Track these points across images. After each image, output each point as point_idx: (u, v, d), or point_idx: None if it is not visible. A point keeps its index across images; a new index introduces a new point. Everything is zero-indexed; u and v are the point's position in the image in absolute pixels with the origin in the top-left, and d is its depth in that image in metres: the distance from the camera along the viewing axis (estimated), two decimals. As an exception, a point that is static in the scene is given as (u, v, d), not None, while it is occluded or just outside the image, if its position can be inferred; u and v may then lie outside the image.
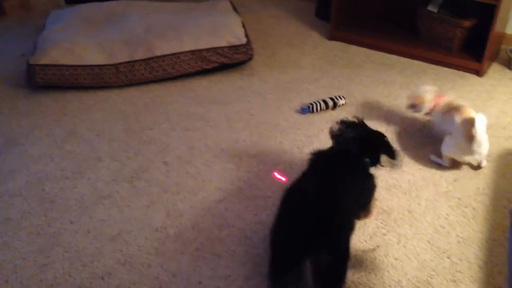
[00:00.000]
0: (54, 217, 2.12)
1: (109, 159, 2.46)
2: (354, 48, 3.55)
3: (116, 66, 3.02)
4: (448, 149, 2.35)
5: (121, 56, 3.06)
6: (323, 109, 2.84)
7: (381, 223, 2.10)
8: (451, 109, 2.38)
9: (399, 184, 2.32)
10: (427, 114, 2.56)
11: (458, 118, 2.31)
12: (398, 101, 2.92)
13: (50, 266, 1.89)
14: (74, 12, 3.57)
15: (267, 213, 2.16)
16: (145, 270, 1.89)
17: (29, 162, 2.44)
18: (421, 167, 2.42)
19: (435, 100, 2.49)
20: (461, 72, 3.23)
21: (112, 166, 2.42)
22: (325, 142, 2.57)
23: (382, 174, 2.36)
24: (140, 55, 3.07)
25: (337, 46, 3.59)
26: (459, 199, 2.23)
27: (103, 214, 2.14)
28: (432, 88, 2.54)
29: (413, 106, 2.57)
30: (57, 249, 1.96)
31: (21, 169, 2.39)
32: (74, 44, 3.07)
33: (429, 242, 2.01)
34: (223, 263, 1.93)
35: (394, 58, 3.42)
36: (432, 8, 3.36)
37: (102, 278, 1.86)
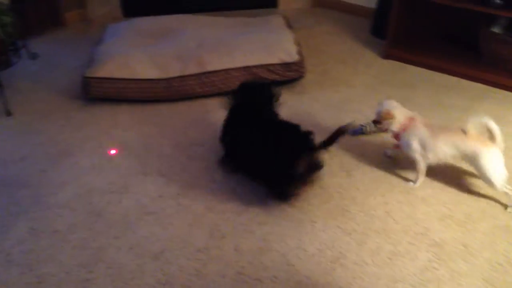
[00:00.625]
0: (99, 231, 2.13)
1: (156, 174, 2.47)
2: (410, 68, 3.42)
3: (168, 80, 3.05)
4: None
5: (174, 70, 3.09)
6: (375, 131, 2.74)
7: (433, 256, 1.98)
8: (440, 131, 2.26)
9: (453, 215, 2.18)
10: (395, 136, 2.38)
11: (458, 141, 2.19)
12: (458, 125, 2.77)
13: (93, 282, 1.90)
14: (130, 26, 3.65)
15: (312, 239, 2.08)
16: (185, 292, 1.87)
17: (80, 173, 2.48)
18: (477, 197, 2.28)
19: (408, 122, 2.31)
20: (526, 97, 3.05)
21: (159, 181, 2.42)
22: (376, 165, 2.48)
23: (435, 203, 2.24)
24: (192, 70, 3.08)
25: (393, 65, 3.47)
26: (520, 235, 2.07)
27: (147, 230, 2.13)
28: (398, 106, 2.37)
29: (378, 122, 2.39)
30: (100, 265, 1.97)
31: (71, 181, 2.44)
32: (128, 58, 3.13)
33: (485, 280, 1.88)
34: (264, 290, 1.87)
35: (453, 79, 3.27)
36: (496, 29, 3.19)
37: (142, 297, 1.85)
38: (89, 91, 3.02)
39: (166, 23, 3.69)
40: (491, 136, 2.13)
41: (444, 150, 2.22)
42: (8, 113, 2.97)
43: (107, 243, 2.07)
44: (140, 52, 3.23)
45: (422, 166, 2.32)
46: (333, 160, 2.54)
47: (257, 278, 1.92)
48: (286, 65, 3.11)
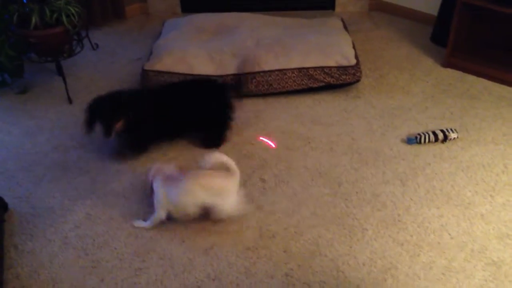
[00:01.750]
0: (152, 221, 2.18)
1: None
2: (471, 78, 3.31)
3: (224, 77, 3.07)
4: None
5: (230, 67, 3.11)
6: (432, 142, 2.67)
7: (489, 275, 1.92)
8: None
9: (513, 235, 2.10)
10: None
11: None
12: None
13: (144, 271, 1.94)
14: (188, 22, 3.70)
15: (363, 246, 2.05)
16: (234, 289, 1.88)
17: (135, 164, 2.54)
18: (540, 218, 2.19)
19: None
20: None
21: (211, 177, 2.44)
22: (431, 177, 2.42)
23: (495, 221, 2.16)
24: (247, 68, 3.10)
25: (452, 74, 3.37)
26: None
27: (198, 225, 2.16)
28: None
29: None
30: (152, 255, 2.01)
31: (127, 171, 2.50)
32: (186, 53, 3.18)
33: (545, 305, 1.80)
34: (313, 294, 1.86)
35: (515, 92, 3.15)
36: None
37: (192, 290, 1.87)
38: (147, 83, 3.08)
39: (223, 21, 3.72)
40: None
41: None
42: (70, 101, 3.07)
43: (159, 235, 2.11)
44: (197, 47, 3.28)
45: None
46: (387, 168, 2.50)
47: (305, 282, 1.91)
48: (343, 69, 3.07)
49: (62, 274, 1.94)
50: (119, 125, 2.38)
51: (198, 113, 2.59)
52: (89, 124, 2.40)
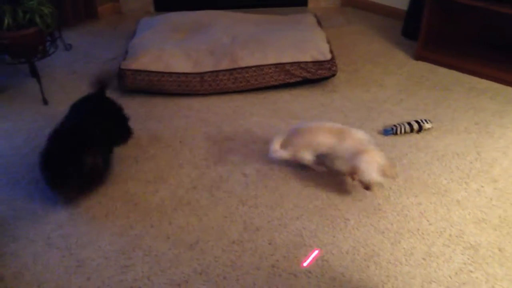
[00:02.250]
0: (136, 219, 2.18)
1: (190, 167, 2.51)
2: (442, 70, 3.41)
3: (201, 75, 3.08)
4: None
5: (207, 65, 3.12)
6: (408, 132, 2.74)
7: (468, 259, 1.99)
8: None
9: (488, 219, 2.18)
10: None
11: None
12: (489, 129, 2.77)
13: (131, 268, 1.94)
14: (163, 20, 3.69)
15: (346, 236, 2.10)
16: (221, 282, 1.90)
17: (116, 163, 2.52)
18: (513, 202, 2.27)
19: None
20: (560, 103, 3.02)
21: (193, 173, 2.46)
22: (408, 167, 2.49)
23: (470, 207, 2.24)
24: (224, 65, 3.11)
25: (424, 66, 3.46)
26: (556, 241, 2.06)
27: (183, 221, 2.17)
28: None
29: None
30: (137, 252, 2.01)
31: (114, 169, 2.48)
32: (163, 51, 3.17)
33: (521, 285, 1.87)
34: (299, 284, 1.89)
35: (486, 83, 3.25)
36: (531, 32, 3.16)
37: (179, 285, 1.88)
38: (124, 83, 3.06)
39: (198, 19, 3.73)
40: None
41: None
42: (45, 102, 3.03)
43: (145, 231, 2.11)
44: (173, 46, 3.27)
45: None
46: (366, 159, 2.55)
47: (291, 272, 1.95)
48: (318, 63, 3.12)
49: (47, 275, 1.92)
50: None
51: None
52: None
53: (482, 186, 2.37)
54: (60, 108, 2.98)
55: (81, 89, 3.17)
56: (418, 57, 3.54)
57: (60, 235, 2.10)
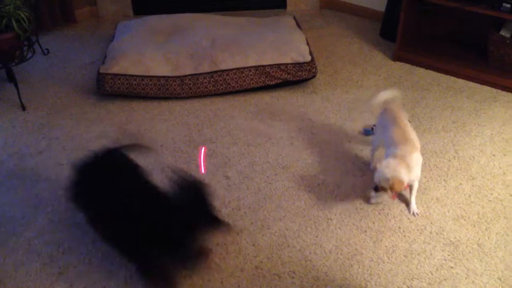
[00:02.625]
0: (118, 224, 2.16)
1: (172, 171, 2.49)
2: (419, 70, 3.46)
3: (181, 78, 3.08)
4: None
5: (187, 68, 3.12)
6: (387, 132, 2.77)
7: (448, 255, 2.02)
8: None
9: (467, 216, 2.22)
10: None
11: None
12: (467, 127, 2.82)
13: (114, 274, 1.93)
14: (142, 23, 3.68)
15: (329, 235, 2.12)
16: (205, 285, 1.90)
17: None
18: (491, 198, 2.32)
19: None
20: (534, 101, 3.10)
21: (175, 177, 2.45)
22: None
23: (449, 204, 2.28)
24: (205, 68, 3.11)
25: (402, 67, 3.51)
26: (533, 235, 2.11)
27: (165, 225, 2.16)
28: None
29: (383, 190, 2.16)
30: (120, 257, 1.99)
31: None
32: (142, 55, 3.16)
33: (500, 279, 1.91)
34: (283, 284, 1.90)
35: (462, 82, 3.31)
36: (504, 33, 3.23)
37: (163, 289, 1.87)
38: (103, 87, 3.04)
39: (177, 22, 3.72)
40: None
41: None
42: (23, 107, 2.99)
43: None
44: (153, 49, 3.26)
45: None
46: (347, 159, 2.58)
47: (275, 273, 1.96)
48: (298, 65, 3.14)
49: (29, 282, 1.89)
50: None
51: None
52: None
53: (461, 184, 2.41)
54: (38, 113, 2.96)
55: (59, 94, 3.16)
56: (396, 57, 3.59)
57: (41, 242, 2.07)
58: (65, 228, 2.14)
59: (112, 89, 3.05)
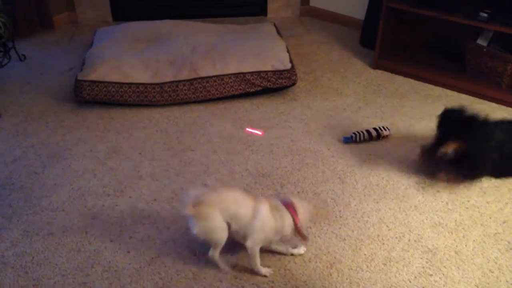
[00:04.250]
0: (94, 234, 2.12)
1: (150, 179, 2.47)
2: (399, 78, 3.50)
3: (160, 85, 3.05)
4: None
5: (166, 75, 3.10)
6: (366, 140, 2.79)
7: (426, 262, 2.03)
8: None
9: (445, 223, 2.23)
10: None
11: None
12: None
13: (89, 285, 1.88)
14: (121, 30, 3.65)
15: (308, 244, 2.11)
16: (182, 296, 1.87)
17: (73, 176, 2.46)
18: (468, 206, 2.34)
19: None
20: (510, 109, 3.14)
21: (153, 185, 2.42)
22: (368, 173, 2.53)
23: (427, 211, 2.29)
24: (184, 75, 3.09)
25: (382, 75, 3.54)
26: (509, 242, 2.13)
27: (143, 234, 2.13)
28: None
29: None
30: (96, 268, 1.96)
31: (64, 183, 2.42)
32: (121, 61, 3.13)
33: (477, 286, 1.92)
34: (262, 294, 1.89)
35: (439, 90, 3.35)
36: (481, 41, 3.29)
37: (140, 301, 1.84)
38: (81, 94, 2.99)
39: (157, 29, 3.70)
40: None
41: None
42: (-2, 115, 2.94)
43: (103, 247, 2.06)
44: (132, 56, 3.23)
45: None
46: (326, 167, 2.58)
47: (254, 283, 1.93)
48: (279, 73, 3.14)
49: (1, 295, 1.84)
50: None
51: None
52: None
53: (438, 191, 2.43)
54: (13, 120, 2.90)
55: (36, 101, 3.10)
56: (375, 65, 3.62)
57: (15, 253, 2.02)
58: (40, 238, 2.09)
59: (90, 96, 3.01)
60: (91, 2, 4.26)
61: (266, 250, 2.02)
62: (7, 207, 2.26)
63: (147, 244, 2.08)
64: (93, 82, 2.99)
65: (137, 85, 3.04)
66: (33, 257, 2.00)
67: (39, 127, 2.86)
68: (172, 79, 3.08)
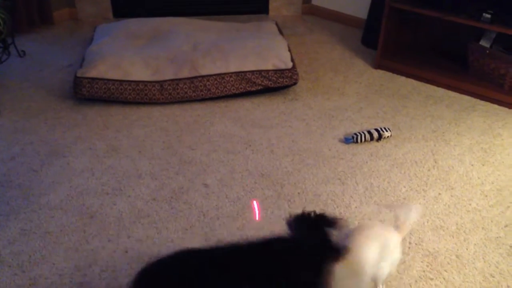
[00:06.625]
0: (92, 233, 2.10)
1: (149, 178, 2.45)
2: (400, 79, 3.47)
3: (161, 83, 3.03)
4: None
5: (167, 73, 3.07)
6: (368, 140, 2.77)
7: (427, 266, 2.01)
8: None
9: (446, 226, 2.22)
10: None
11: None
12: (446, 137, 2.83)
13: (87, 286, 1.87)
14: (122, 27, 3.62)
15: (308, 246, 2.09)
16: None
17: (71, 175, 2.44)
18: (469, 209, 2.32)
19: None
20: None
21: (152, 184, 2.40)
22: (369, 175, 2.51)
23: (428, 214, 2.27)
24: (185, 73, 3.07)
25: (383, 75, 3.52)
26: (511, 246, 2.11)
27: (141, 234, 2.11)
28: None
29: None
30: (94, 268, 1.94)
31: (62, 181, 2.40)
32: (121, 59, 3.10)
33: (478, 291, 1.91)
34: (261, 296, 1.86)
35: (442, 91, 3.33)
36: (484, 43, 3.26)
37: (138, 302, 1.82)
38: (80, 91, 2.97)
39: (157, 26, 3.67)
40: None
41: None
42: (-3, 111, 2.92)
43: (101, 246, 2.04)
44: (132, 53, 3.21)
45: None
46: (327, 168, 2.56)
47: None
48: (280, 72, 3.12)
49: (-3, 295, 1.83)
50: None
51: None
52: None
53: (440, 194, 2.41)
54: (12, 117, 2.88)
55: (35, 98, 3.08)
56: (377, 65, 3.59)
57: (12, 252, 2.00)
58: (37, 237, 2.07)
59: (89, 93, 2.98)
60: (92, -2, 4.24)
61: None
62: (5, 205, 2.24)
63: (146, 244, 2.06)
64: (93, 79, 2.97)
65: (137, 82, 3.02)
66: (30, 256, 1.98)
67: (38, 124, 2.84)
68: (172, 77, 3.06)
